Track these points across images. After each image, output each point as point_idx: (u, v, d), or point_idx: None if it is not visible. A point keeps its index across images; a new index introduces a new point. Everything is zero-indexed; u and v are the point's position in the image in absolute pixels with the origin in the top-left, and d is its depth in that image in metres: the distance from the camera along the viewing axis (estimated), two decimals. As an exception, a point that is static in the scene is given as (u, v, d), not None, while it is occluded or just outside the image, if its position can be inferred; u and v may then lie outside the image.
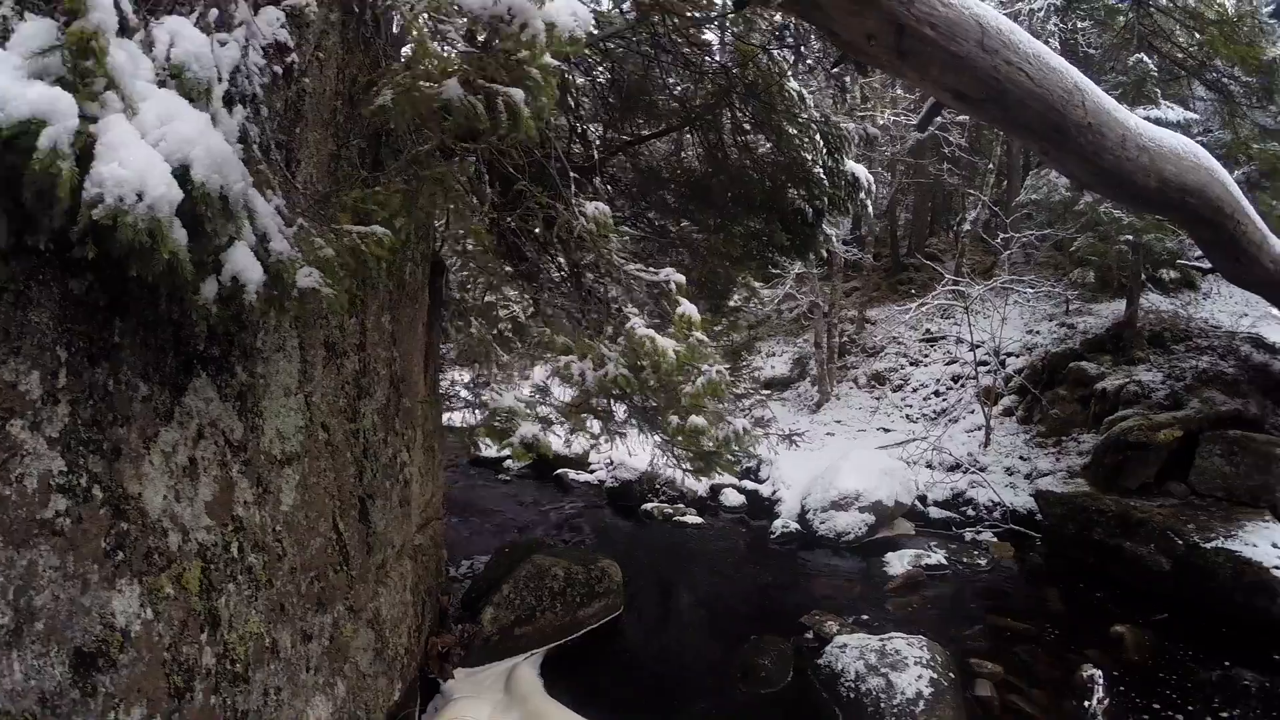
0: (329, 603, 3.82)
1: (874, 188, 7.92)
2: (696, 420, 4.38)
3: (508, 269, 6.68)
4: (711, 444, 4.64)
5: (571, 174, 4.81)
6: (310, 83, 3.47)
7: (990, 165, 17.59)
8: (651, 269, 4.79)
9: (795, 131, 7.06)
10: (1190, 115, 11.46)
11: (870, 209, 7.95)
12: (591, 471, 12.69)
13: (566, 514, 11.19)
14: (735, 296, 10.95)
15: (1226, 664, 7.08)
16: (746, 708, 6.05)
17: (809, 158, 7.25)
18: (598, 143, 7.58)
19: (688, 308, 4.24)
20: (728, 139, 7.47)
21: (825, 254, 14.11)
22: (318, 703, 3.68)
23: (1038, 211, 14.25)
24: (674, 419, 4.59)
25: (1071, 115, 6.28)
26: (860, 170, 7.83)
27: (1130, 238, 11.77)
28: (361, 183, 3.50)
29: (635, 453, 9.10)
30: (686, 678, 6.45)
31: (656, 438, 5.66)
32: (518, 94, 3.04)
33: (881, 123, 15.88)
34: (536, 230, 5.18)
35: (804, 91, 7.20)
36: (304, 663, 3.57)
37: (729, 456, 5.29)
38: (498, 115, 3.02)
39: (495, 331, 8.59)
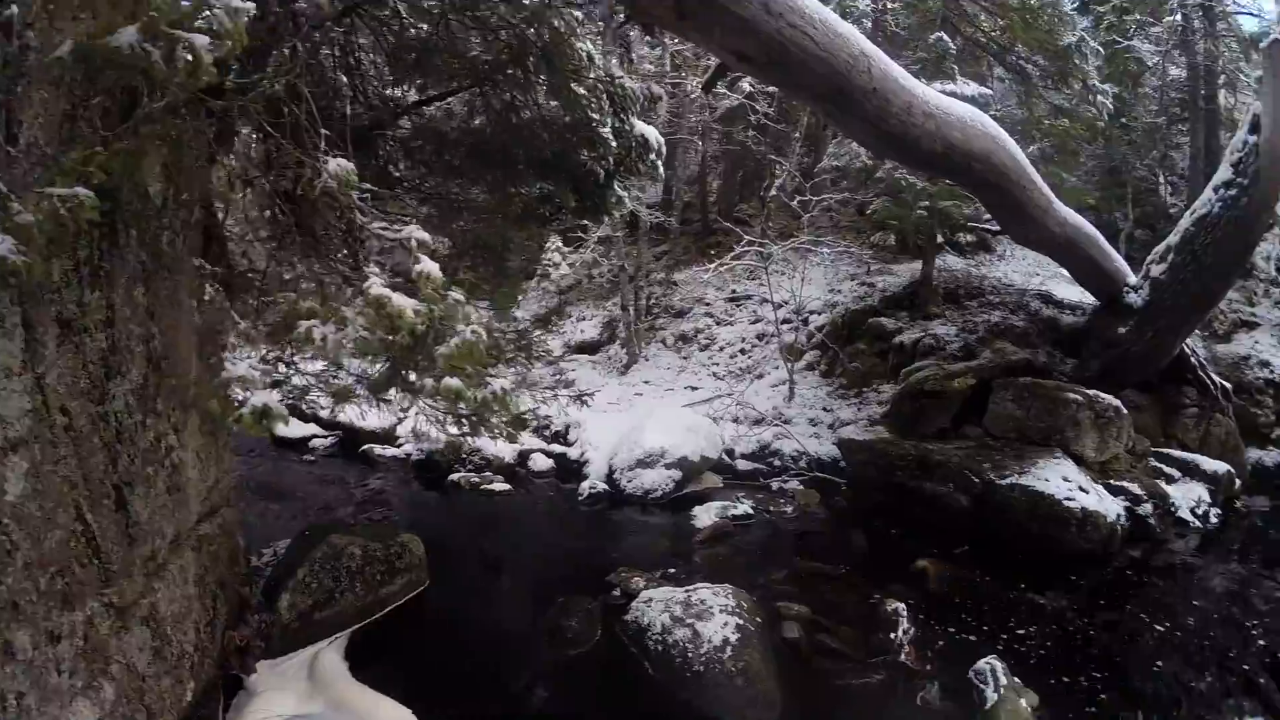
0: (78, 599, 3.55)
1: (664, 149, 7.85)
2: (451, 382, 4.18)
3: (264, 234, 6.22)
4: (467, 406, 4.45)
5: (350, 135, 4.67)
6: (36, 37, 3.20)
7: (797, 134, 18.07)
8: (395, 227, 4.62)
9: (584, 92, 6.92)
10: (985, 91, 12.19)
11: (661, 169, 7.90)
12: (399, 445, 12.21)
13: (372, 490, 10.73)
14: (517, 259, 10.78)
15: (1022, 587, 7.65)
16: (555, 670, 5.99)
17: (596, 118, 7.15)
18: (379, 104, 7.26)
19: (428, 265, 4.08)
20: (519, 100, 7.26)
21: (630, 218, 14.22)
22: (80, 708, 3.49)
23: (840, 177, 14.85)
24: (428, 381, 4.40)
25: (856, 80, 6.47)
26: (650, 131, 7.75)
27: (927, 203, 12.40)
28: (91, 144, 3.20)
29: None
30: (494, 647, 6.30)
31: (421, 402, 5.43)
32: (200, 40, 2.89)
33: (691, 89, 16.06)
34: (296, 192, 4.83)
35: (593, 51, 7.08)
36: (53, 665, 3.36)
37: (499, 418, 5.18)
38: (175, 63, 2.84)
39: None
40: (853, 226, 15.67)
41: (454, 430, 5.72)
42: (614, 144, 7.29)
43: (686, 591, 6.33)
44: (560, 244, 17.55)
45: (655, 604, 6.21)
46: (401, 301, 3.93)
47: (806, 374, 13.10)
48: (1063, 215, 10.19)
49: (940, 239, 13.45)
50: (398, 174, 7.61)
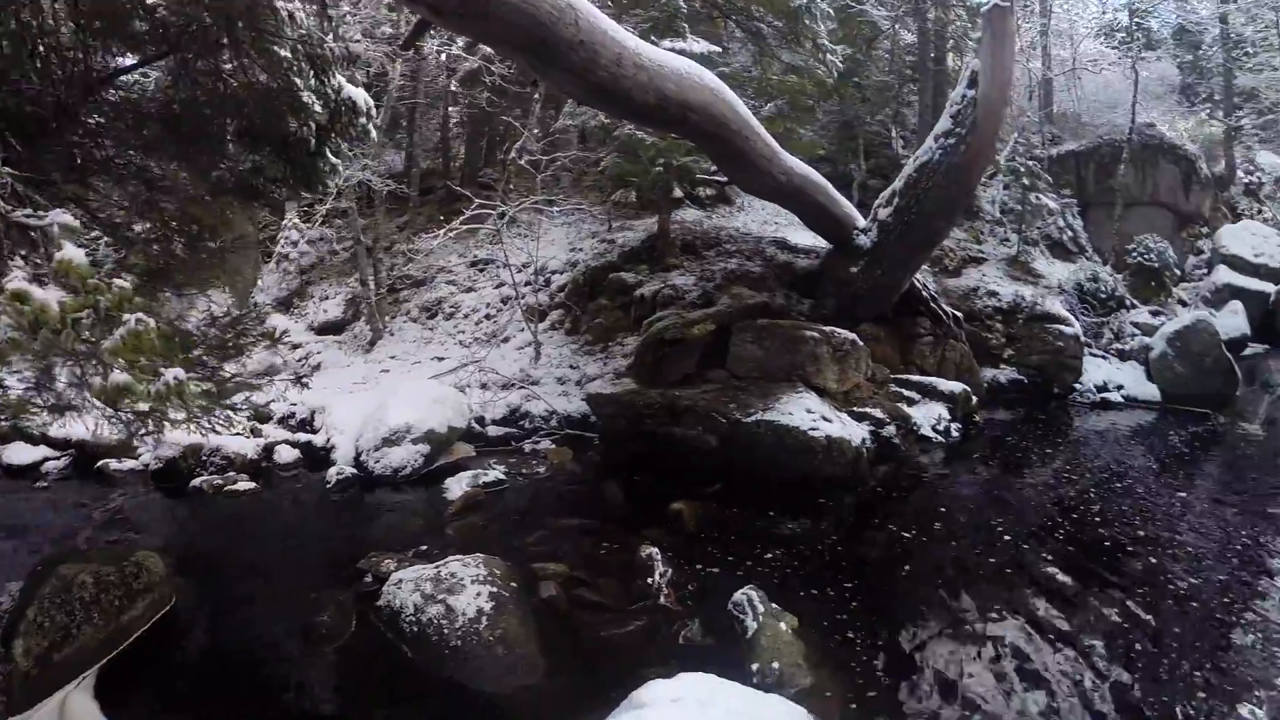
0: None
1: (374, 112, 7.58)
2: (119, 378, 3.86)
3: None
4: (145, 403, 4.13)
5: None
6: None
7: (538, 95, 17.96)
8: (39, 214, 4.20)
9: (286, 54, 6.57)
10: (714, 48, 12.53)
11: (374, 133, 7.65)
12: (137, 456, 11.26)
13: (112, 510, 9.81)
14: (223, 238, 10.14)
15: (775, 516, 8.04)
16: (315, 670, 5.70)
17: (299, 83, 6.81)
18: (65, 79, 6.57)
19: (71, 253, 3.72)
20: (220, 66, 6.80)
21: (365, 189, 13.80)
22: None
23: (580, 136, 14.94)
24: (96, 379, 4.05)
25: (562, 32, 6.40)
26: (359, 94, 7.44)
27: (664, 160, 12.67)
28: None
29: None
30: (249, 657, 5.87)
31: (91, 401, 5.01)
32: None
33: (428, 51, 15.71)
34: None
35: (294, 10, 6.73)
36: None
37: (180, 411, 4.85)
38: None
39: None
40: (595, 185, 15.82)
41: (127, 428, 5.28)
42: (319, 109, 6.96)
43: (437, 567, 6.16)
44: (298, 221, 16.79)
45: (406, 585, 6.02)
46: (45, 295, 3.56)
47: (552, 333, 13.16)
48: (788, 164, 10.59)
49: (680, 193, 13.84)
50: (102, 154, 6.95)
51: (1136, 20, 26.10)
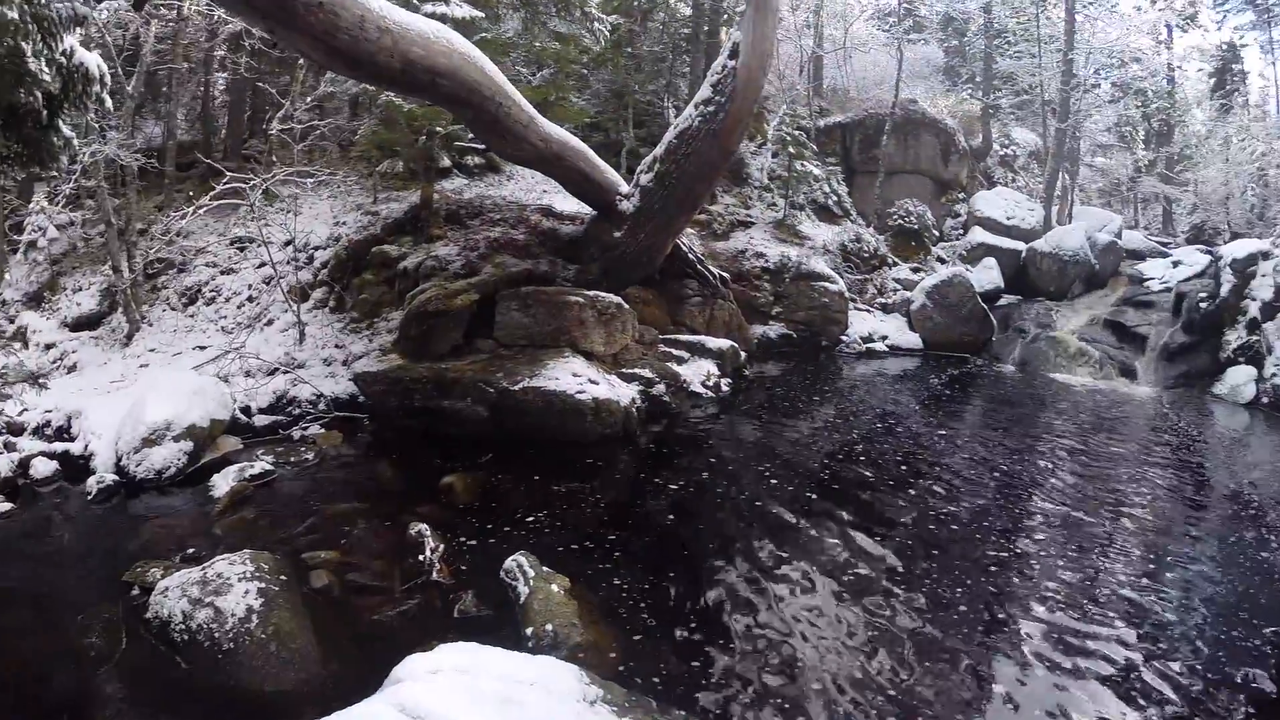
0: None
1: (108, 79, 7.17)
2: None
3: None
4: None
5: None
6: None
7: (302, 60, 17.27)
8: None
9: (13, 16, 6.13)
10: (477, 13, 12.45)
11: (109, 102, 7.22)
12: None
13: None
14: None
15: (545, 481, 8.26)
16: (88, 698, 5.30)
17: (26, 47, 6.37)
18: None
19: None
20: None
21: (114, 164, 12.93)
22: None
23: (350, 103, 14.60)
24: None
25: None
26: (92, 59, 7.05)
27: (427, 128, 12.56)
28: None
29: None
30: (14, 693, 5.40)
31: None
32: None
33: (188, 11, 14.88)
34: None
35: None
36: None
37: None
38: None
39: None
40: (363, 155, 15.42)
41: None
42: (49, 77, 6.53)
43: (203, 569, 5.93)
44: (46, 204, 15.45)
45: (173, 592, 5.77)
46: None
47: (316, 313, 12.72)
48: (547, 131, 10.75)
49: (448, 162, 13.78)
50: None
51: (906, 6, 28.51)
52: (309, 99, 15.53)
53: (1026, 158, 31.10)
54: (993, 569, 7.02)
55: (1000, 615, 6.20)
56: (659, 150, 12.24)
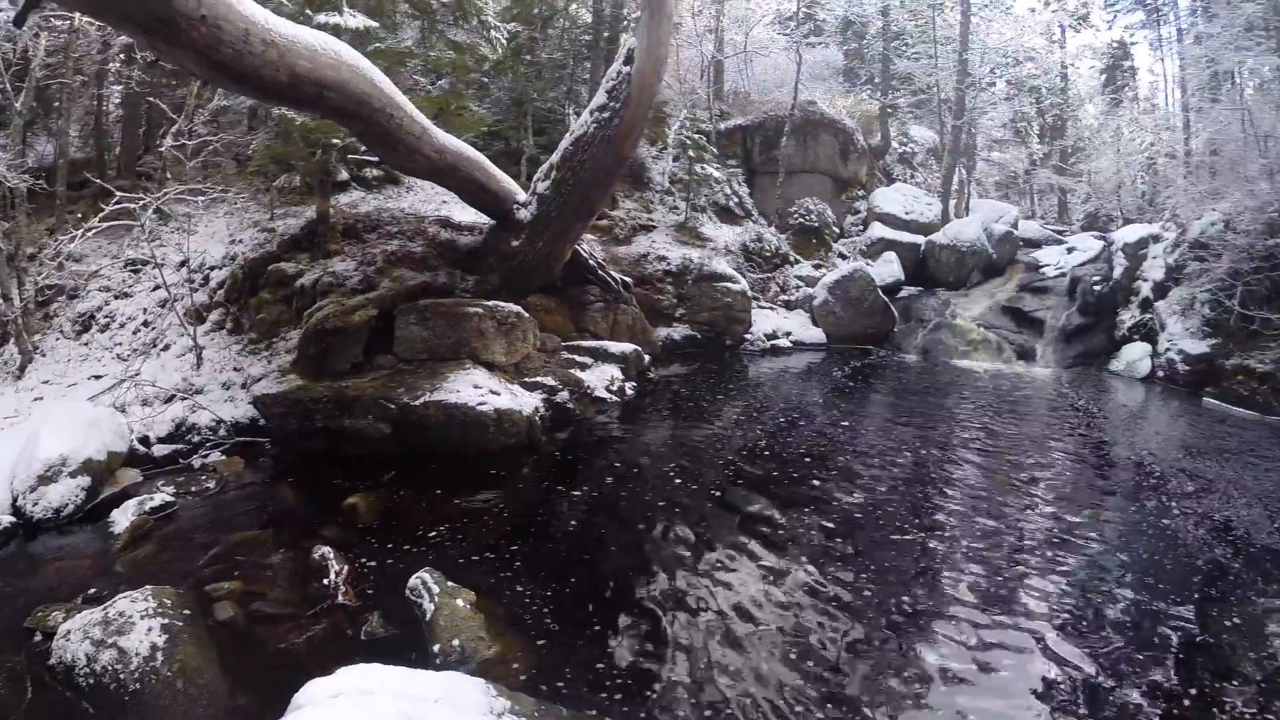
0: None
1: None
2: None
3: None
4: None
5: None
6: None
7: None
8: None
9: None
10: (371, 23, 12.32)
11: None
12: None
13: None
14: None
15: (447, 494, 8.37)
16: None
17: None
18: None
19: None
20: None
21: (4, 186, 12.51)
22: None
23: (240, 119, 14.36)
24: None
25: (181, 6, 6.18)
26: None
27: (323, 141, 12.45)
28: None
29: None
30: None
31: None
32: None
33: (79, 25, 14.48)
34: None
35: None
36: None
37: None
38: None
39: None
40: (260, 170, 15.17)
41: None
42: None
43: (105, 609, 5.73)
44: None
45: (75, 635, 5.55)
46: None
47: (214, 335, 12.44)
48: (441, 141, 10.76)
49: (345, 175, 13.70)
50: None
51: (806, 11, 29.32)
52: (205, 112, 15.29)
53: (925, 154, 32.22)
54: (906, 555, 7.33)
55: (918, 601, 6.48)
56: (555, 158, 12.38)
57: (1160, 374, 17.58)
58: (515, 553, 7.11)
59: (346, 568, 6.70)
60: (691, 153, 19.62)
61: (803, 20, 30.40)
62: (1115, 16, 38.80)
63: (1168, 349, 17.51)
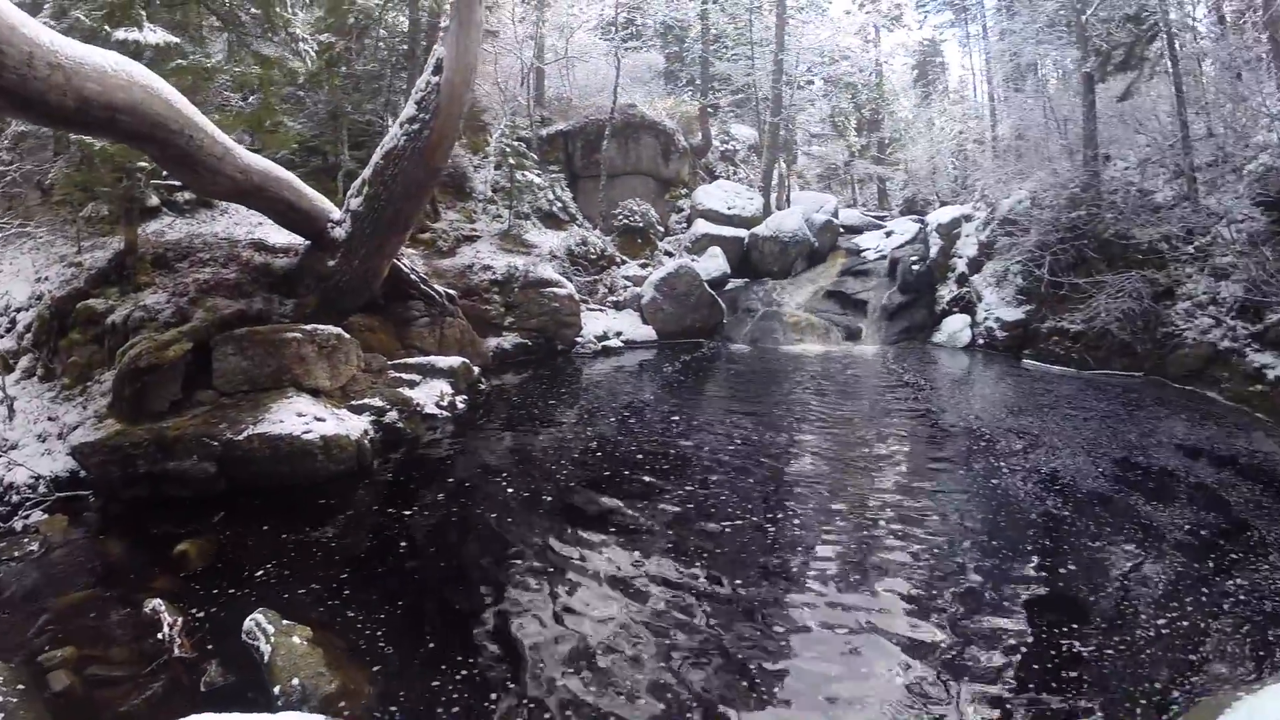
0: None
1: None
2: None
3: None
4: None
5: None
6: None
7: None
8: None
9: None
10: (172, 39, 11.89)
11: None
12: None
13: None
14: None
15: (278, 529, 8.20)
16: None
17: None
18: None
19: None
20: None
21: None
22: None
23: (41, 145, 13.70)
24: None
25: None
26: None
27: (127, 165, 11.92)
28: None
29: None
30: None
31: None
32: None
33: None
34: None
35: None
36: None
37: None
38: None
39: None
40: (66, 200, 14.27)
41: None
42: None
43: None
44: None
45: None
46: None
47: (25, 384, 11.67)
48: (245, 162, 10.54)
49: (156, 200, 13.21)
50: None
51: (626, 17, 30.22)
52: (5, 138, 14.50)
53: (746, 151, 33.50)
54: (754, 542, 7.73)
55: (771, 586, 6.86)
56: (367, 172, 12.34)
57: (981, 341, 19.53)
58: (351, 582, 7.06)
59: (180, 618, 6.49)
60: (512, 160, 19.85)
61: (624, 25, 31.12)
62: (926, 16, 42.37)
63: (986, 318, 19.53)
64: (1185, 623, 6.21)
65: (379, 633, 6.21)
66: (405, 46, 20.65)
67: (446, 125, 11.77)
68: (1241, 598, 6.64)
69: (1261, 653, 5.85)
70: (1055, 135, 22.56)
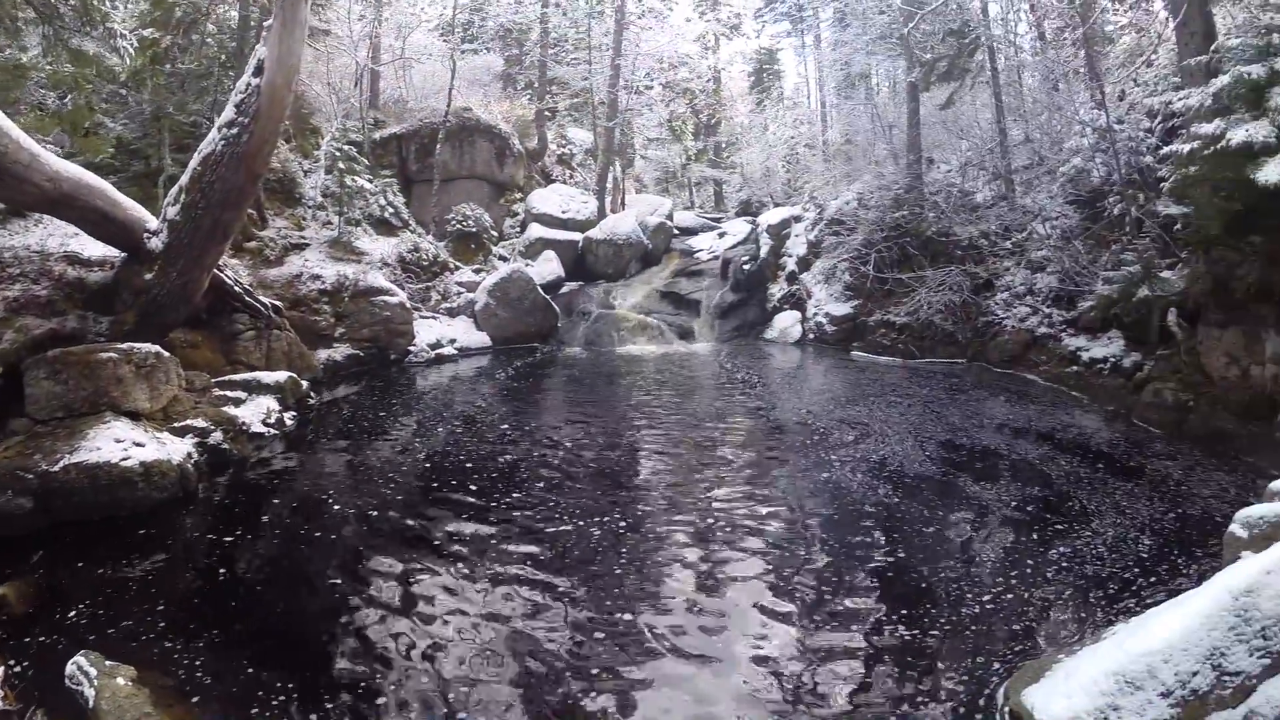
0: None
1: None
2: None
3: None
4: None
5: None
6: None
7: None
8: None
9: None
10: None
11: None
12: None
13: None
14: None
15: (92, 564, 7.79)
16: None
17: None
18: None
19: None
20: None
21: None
22: None
23: None
24: None
25: None
26: None
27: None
28: None
29: None
30: None
31: None
32: None
33: None
34: None
35: None
36: None
37: None
38: None
39: None
40: None
41: None
42: None
43: None
44: None
45: None
46: None
47: None
48: (54, 169, 10.21)
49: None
50: None
51: (465, 18, 30.63)
52: None
53: (583, 155, 34.11)
54: (604, 549, 7.88)
55: (626, 595, 6.99)
56: (185, 179, 11.99)
57: (811, 336, 21.14)
58: (176, 615, 6.78)
59: (1, 669, 6.02)
60: (342, 164, 19.70)
61: (465, 26, 31.17)
62: (764, 26, 44.26)
63: (816, 314, 21.12)
64: (1014, 594, 6.89)
65: (207, 667, 5.98)
66: (235, 44, 20.07)
67: (267, 130, 11.60)
68: (1064, 565, 7.45)
69: (1083, 614, 6.57)
70: (882, 140, 24.41)
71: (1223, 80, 10.92)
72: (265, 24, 11.98)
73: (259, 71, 11.43)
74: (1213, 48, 12.51)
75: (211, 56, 19.27)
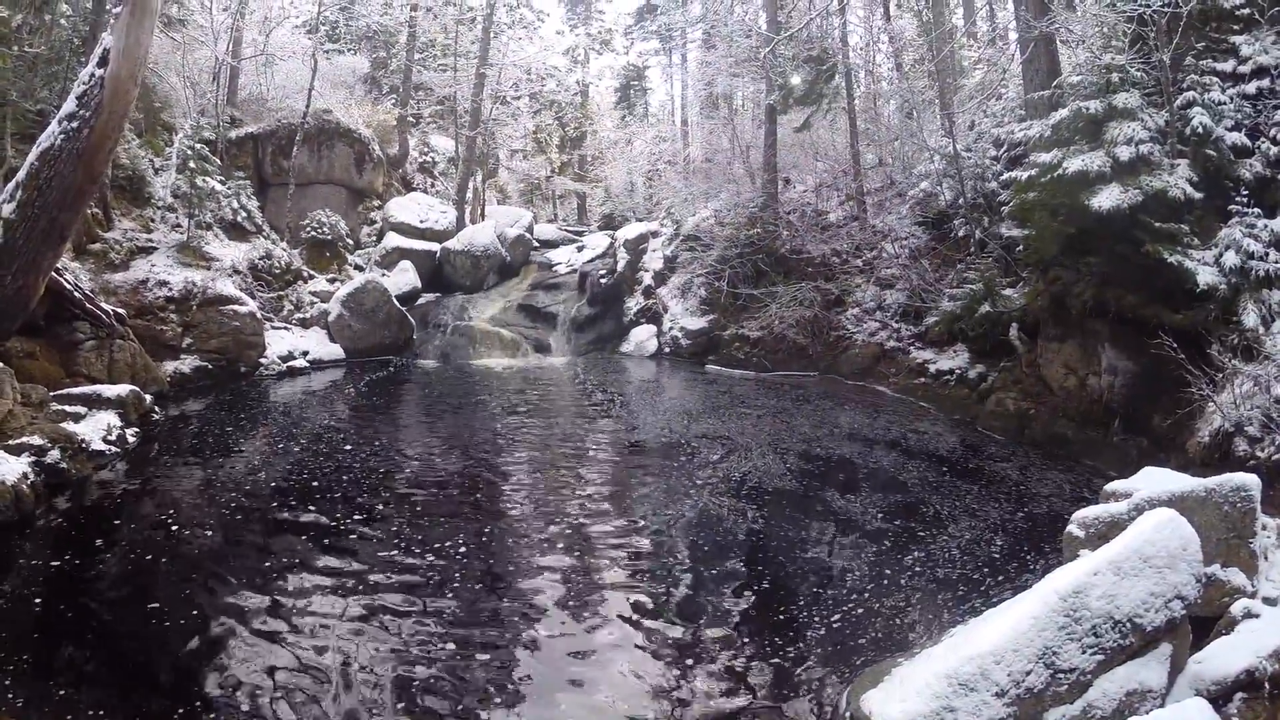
0: None
1: None
2: None
3: None
4: None
5: None
6: None
7: None
8: None
9: None
10: None
11: None
12: None
13: None
14: None
15: None
16: None
17: None
18: None
19: None
20: None
21: None
22: None
23: None
24: None
25: None
26: None
27: None
28: None
29: None
30: None
31: None
32: None
33: None
34: None
35: None
36: None
37: None
38: None
39: None
40: None
41: None
42: None
43: None
44: None
45: None
46: None
47: None
48: None
49: None
50: None
51: (334, 17, 30.90)
52: None
53: (446, 163, 34.12)
54: (469, 565, 8.01)
55: (500, 614, 7.08)
56: (21, 174, 11.40)
57: (667, 350, 21.92)
58: (15, 649, 6.30)
59: None
60: (194, 164, 19.05)
61: (331, 25, 30.73)
62: (634, 43, 45.08)
63: (671, 328, 21.93)
64: (868, 599, 7.31)
65: (44, 702, 5.64)
66: (88, 28, 19.06)
67: (110, 125, 11.14)
68: (917, 570, 7.95)
69: (931, 616, 7.02)
70: (740, 159, 25.40)
71: (1063, 113, 12.23)
72: (114, 9, 11.53)
73: (104, 62, 10.94)
74: (1055, 83, 13.79)
75: (64, 41, 18.20)
